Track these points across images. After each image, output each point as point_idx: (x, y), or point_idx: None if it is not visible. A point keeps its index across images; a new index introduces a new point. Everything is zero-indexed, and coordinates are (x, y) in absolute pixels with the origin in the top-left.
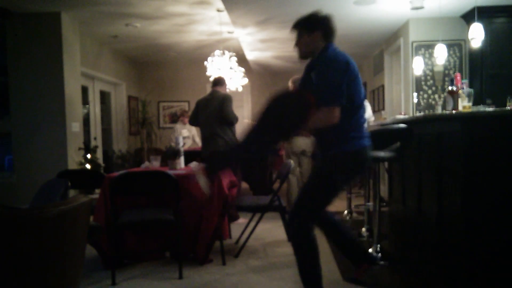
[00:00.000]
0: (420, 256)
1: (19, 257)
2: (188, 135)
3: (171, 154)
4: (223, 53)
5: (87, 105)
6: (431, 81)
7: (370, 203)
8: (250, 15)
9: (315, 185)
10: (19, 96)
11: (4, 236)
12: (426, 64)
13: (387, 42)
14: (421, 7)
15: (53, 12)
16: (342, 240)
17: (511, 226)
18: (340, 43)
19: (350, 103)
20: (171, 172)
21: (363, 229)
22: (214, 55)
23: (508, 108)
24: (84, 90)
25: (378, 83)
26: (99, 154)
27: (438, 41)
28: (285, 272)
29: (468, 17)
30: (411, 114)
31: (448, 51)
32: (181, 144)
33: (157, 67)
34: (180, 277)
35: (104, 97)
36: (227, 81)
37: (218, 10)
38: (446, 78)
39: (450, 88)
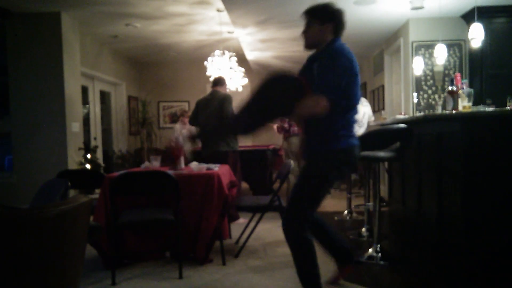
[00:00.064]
0: (420, 256)
1: (19, 257)
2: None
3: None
4: (223, 53)
5: (87, 105)
6: (431, 81)
7: (370, 203)
8: (250, 15)
9: (305, 183)
10: (19, 96)
11: (4, 236)
12: (426, 64)
13: (387, 42)
14: (421, 7)
15: (53, 12)
16: (328, 240)
17: (511, 226)
18: None
19: (346, 101)
20: (171, 172)
21: (363, 229)
22: (214, 55)
23: (508, 108)
24: (84, 90)
25: (378, 83)
26: (99, 154)
27: (438, 41)
28: (285, 272)
29: (468, 17)
30: (411, 114)
31: (448, 51)
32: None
33: (157, 67)
34: (180, 277)
35: (104, 97)
36: (227, 81)
37: (218, 10)
38: (446, 78)
39: (450, 88)
